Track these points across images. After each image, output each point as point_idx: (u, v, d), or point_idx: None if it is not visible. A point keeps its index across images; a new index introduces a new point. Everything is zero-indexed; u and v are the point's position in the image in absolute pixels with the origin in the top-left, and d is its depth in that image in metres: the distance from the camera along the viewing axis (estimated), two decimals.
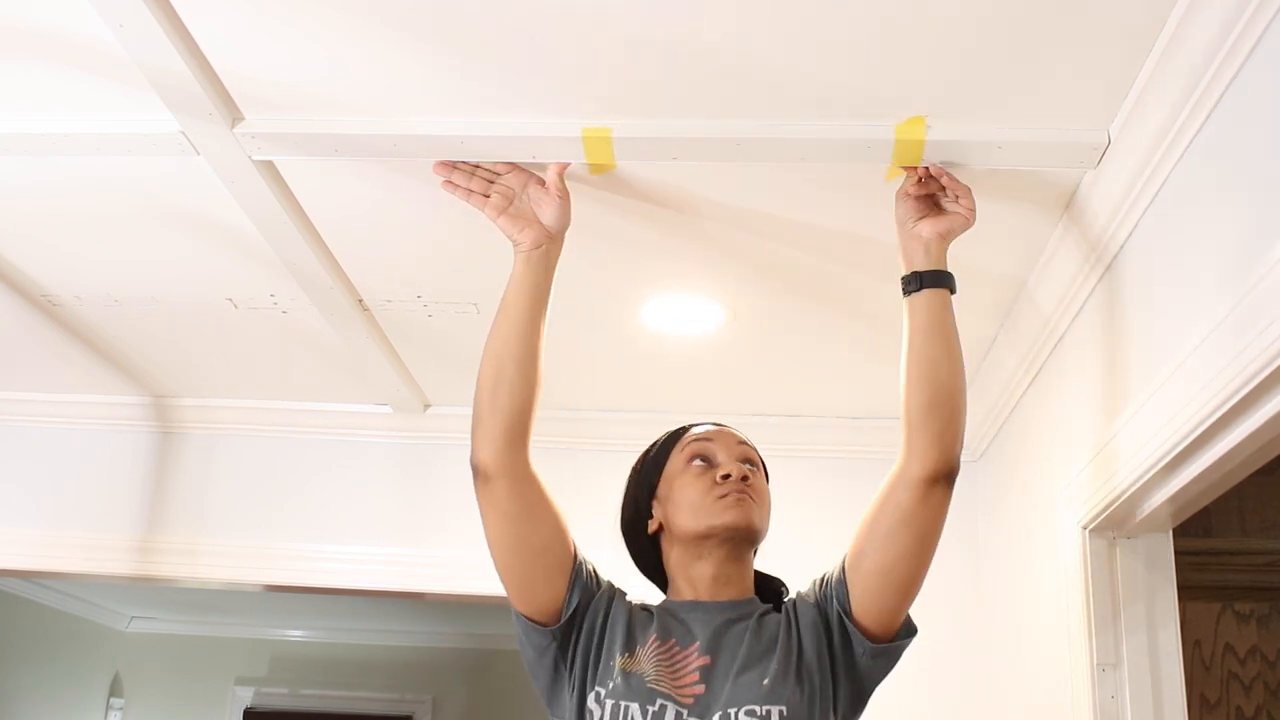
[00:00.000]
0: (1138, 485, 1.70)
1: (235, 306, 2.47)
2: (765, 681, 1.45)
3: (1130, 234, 1.76)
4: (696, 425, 1.68)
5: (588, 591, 1.56)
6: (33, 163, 1.95)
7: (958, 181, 1.67)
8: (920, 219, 1.66)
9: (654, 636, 1.53)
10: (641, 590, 1.66)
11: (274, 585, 3.08)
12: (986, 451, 2.78)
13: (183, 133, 1.79)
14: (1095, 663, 1.87)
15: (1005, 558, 2.57)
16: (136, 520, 3.08)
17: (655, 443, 1.71)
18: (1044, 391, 2.27)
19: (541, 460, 3.20)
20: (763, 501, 1.60)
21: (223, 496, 3.09)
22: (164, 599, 6.08)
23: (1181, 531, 1.93)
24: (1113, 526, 1.90)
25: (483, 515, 1.58)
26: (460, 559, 2.95)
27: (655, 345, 2.55)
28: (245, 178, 1.88)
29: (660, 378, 2.74)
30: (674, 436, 1.68)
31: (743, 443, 1.65)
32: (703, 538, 1.57)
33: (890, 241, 2.02)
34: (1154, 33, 1.46)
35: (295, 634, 6.72)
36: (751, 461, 1.63)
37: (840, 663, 1.52)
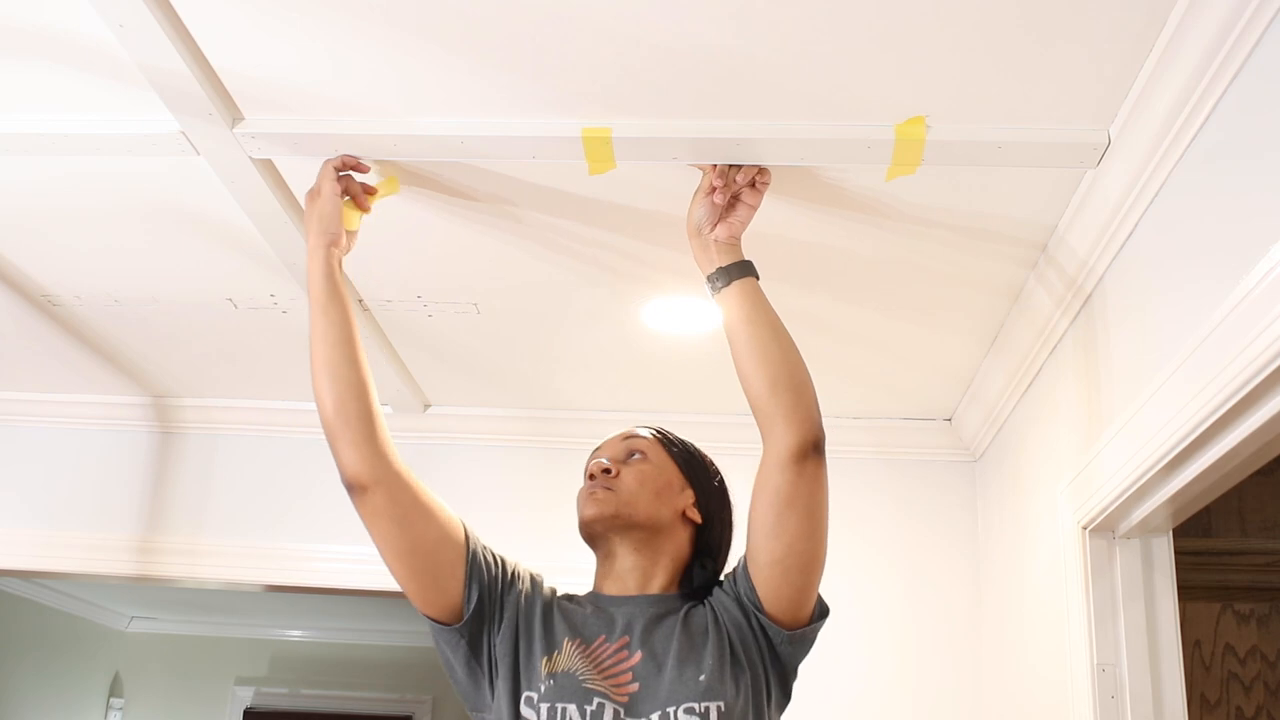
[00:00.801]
0: (1138, 485, 1.70)
1: (235, 306, 2.48)
2: (701, 678, 1.45)
3: (1130, 234, 1.76)
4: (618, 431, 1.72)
5: (487, 581, 1.55)
6: (33, 162, 1.95)
7: (751, 166, 1.71)
8: (715, 224, 1.70)
9: (581, 631, 1.53)
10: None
11: (274, 585, 3.07)
12: (986, 451, 2.78)
13: (182, 133, 1.79)
14: (1095, 663, 1.87)
15: (1005, 558, 2.57)
16: (136, 520, 3.08)
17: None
18: (1044, 391, 2.27)
19: (541, 460, 3.21)
20: (625, 489, 1.59)
21: (223, 496, 3.09)
22: (164, 599, 6.08)
23: (1181, 531, 1.93)
24: (1113, 526, 1.90)
25: (370, 529, 1.57)
26: None
27: (655, 345, 2.55)
28: (245, 177, 1.88)
29: (660, 378, 2.74)
30: None
31: (630, 436, 1.67)
32: (582, 533, 1.61)
33: (889, 241, 2.03)
34: (1154, 33, 1.46)
35: (295, 634, 6.72)
36: (636, 450, 1.64)
37: (765, 653, 1.52)
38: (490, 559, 1.59)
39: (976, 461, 2.87)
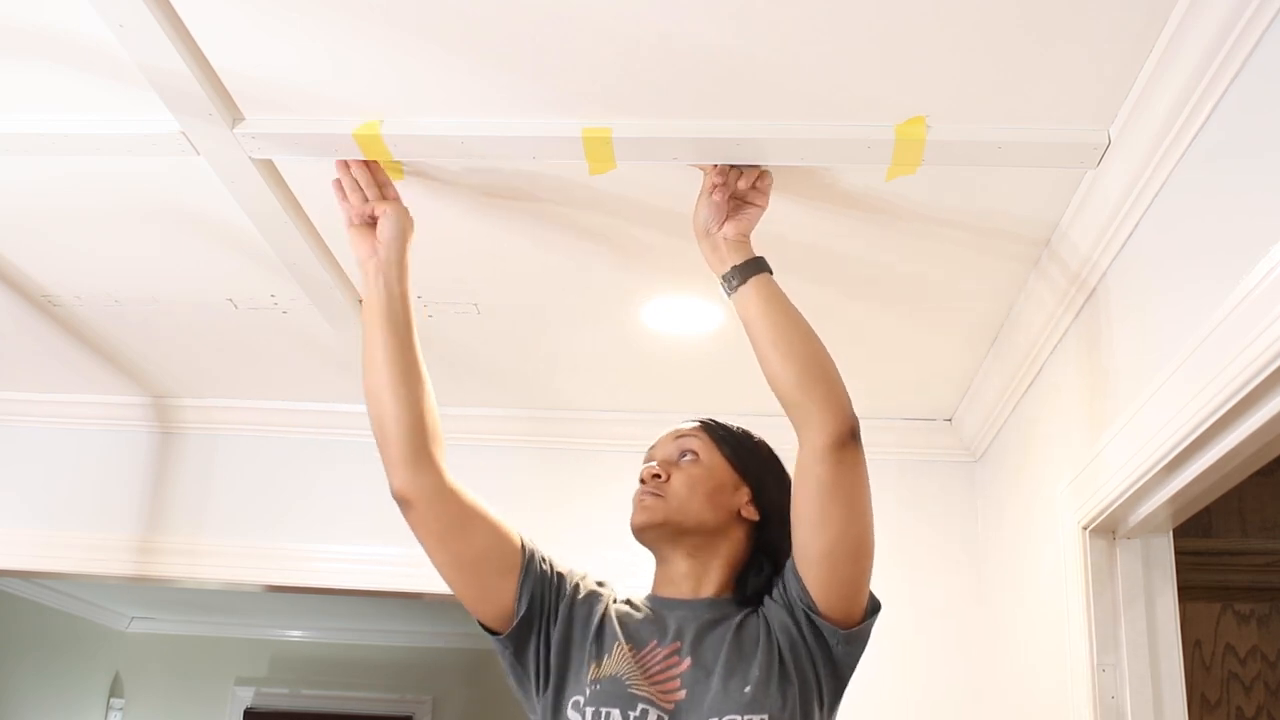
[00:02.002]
0: (1138, 486, 1.70)
1: (235, 306, 2.47)
2: (747, 689, 1.44)
3: (1130, 234, 1.76)
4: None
5: (539, 592, 1.54)
6: (33, 162, 1.95)
7: (752, 169, 1.71)
8: (723, 222, 1.69)
9: (634, 636, 1.52)
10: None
11: (274, 585, 3.08)
12: (987, 451, 2.78)
13: (183, 133, 1.79)
14: (1095, 663, 1.87)
15: (1005, 558, 2.57)
16: (136, 520, 3.08)
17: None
18: (1044, 391, 2.27)
19: (541, 460, 3.21)
20: (674, 494, 1.57)
21: (223, 496, 3.09)
22: (164, 599, 6.08)
23: (1181, 531, 1.93)
24: (1113, 527, 1.90)
25: (419, 541, 1.59)
26: None
27: (655, 345, 2.55)
28: (245, 177, 1.88)
29: (660, 378, 2.74)
30: None
31: (681, 435, 1.64)
32: (636, 537, 1.61)
33: (890, 240, 2.03)
34: (1154, 33, 1.46)
35: (295, 634, 6.72)
36: (688, 450, 1.62)
37: (818, 658, 1.50)
38: (545, 570, 1.57)
39: (976, 461, 2.87)
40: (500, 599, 1.53)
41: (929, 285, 2.19)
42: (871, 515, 1.51)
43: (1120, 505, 1.79)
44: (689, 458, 1.61)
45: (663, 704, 1.44)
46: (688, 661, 1.48)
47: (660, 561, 1.61)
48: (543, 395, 2.92)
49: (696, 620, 1.53)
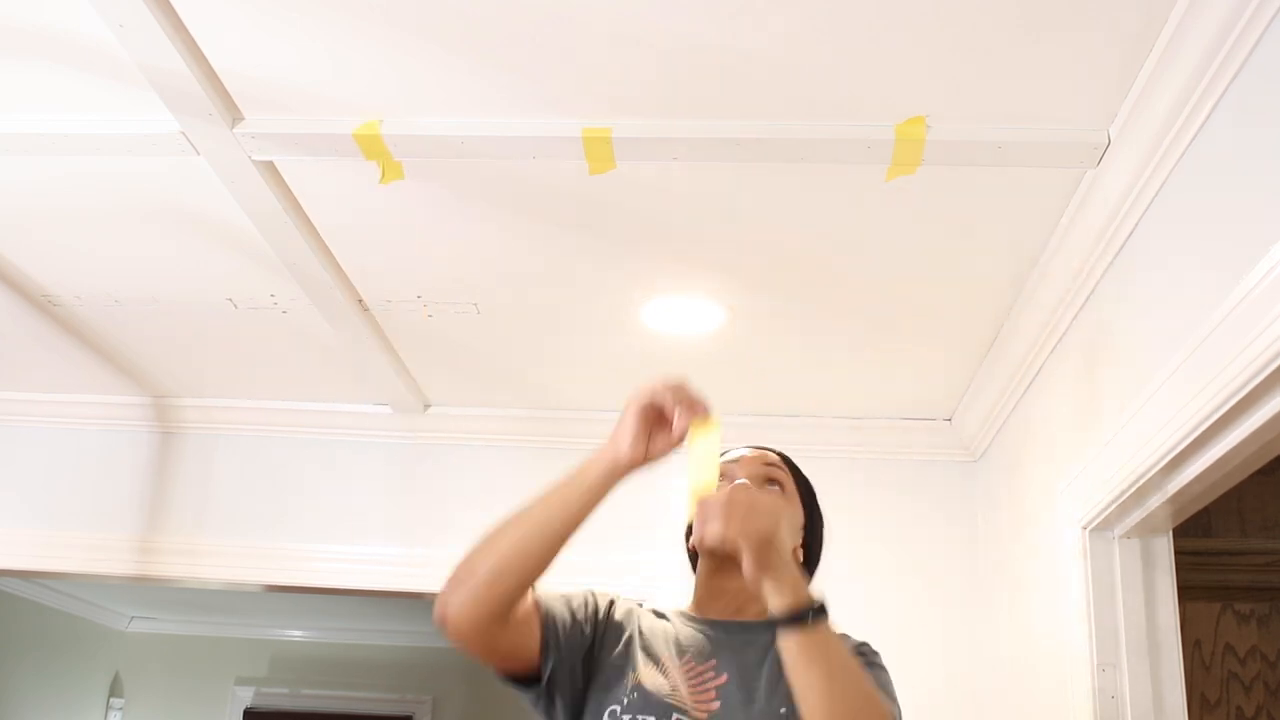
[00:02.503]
0: (1138, 485, 1.70)
1: (235, 306, 2.47)
2: (783, 710, 1.43)
3: (1130, 234, 1.76)
4: (740, 449, 1.64)
5: (563, 646, 1.51)
6: (33, 162, 1.95)
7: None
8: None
9: (670, 649, 1.53)
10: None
11: (274, 585, 3.08)
12: (987, 451, 2.78)
13: (183, 133, 1.79)
14: (1095, 663, 1.87)
15: (1005, 558, 2.57)
16: (136, 520, 3.08)
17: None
18: (1044, 391, 2.27)
19: (542, 460, 3.20)
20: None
21: (223, 496, 3.09)
22: (164, 599, 6.08)
23: (1181, 531, 1.93)
24: (1112, 526, 1.90)
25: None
26: (460, 559, 2.95)
27: (655, 345, 2.55)
28: (245, 178, 1.88)
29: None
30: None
31: (770, 464, 1.62)
32: (704, 553, 1.58)
33: (889, 240, 2.03)
34: (1154, 33, 1.46)
35: (295, 634, 6.72)
36: (775, 481, 1.60)
37: None
38: (563, 624, 1.52)
39: (976, 461, 2.87)
40: (527, 663, 1.50)
41: (930, 285, 2.19)
42: None
43: (1120, 505, 1.79)
44: (775, 488, 1.60)
45: (695, 715, 1.44)
46: (725, 676, 1.48)
47: (711, 575, 1.58)
48: (543, 395, 2.92)
49: (735, 638, 1.52)
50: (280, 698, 6.59)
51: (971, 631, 2.78)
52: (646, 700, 1.46)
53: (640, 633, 1.55)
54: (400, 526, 3.02)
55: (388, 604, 5.77)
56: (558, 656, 1.51)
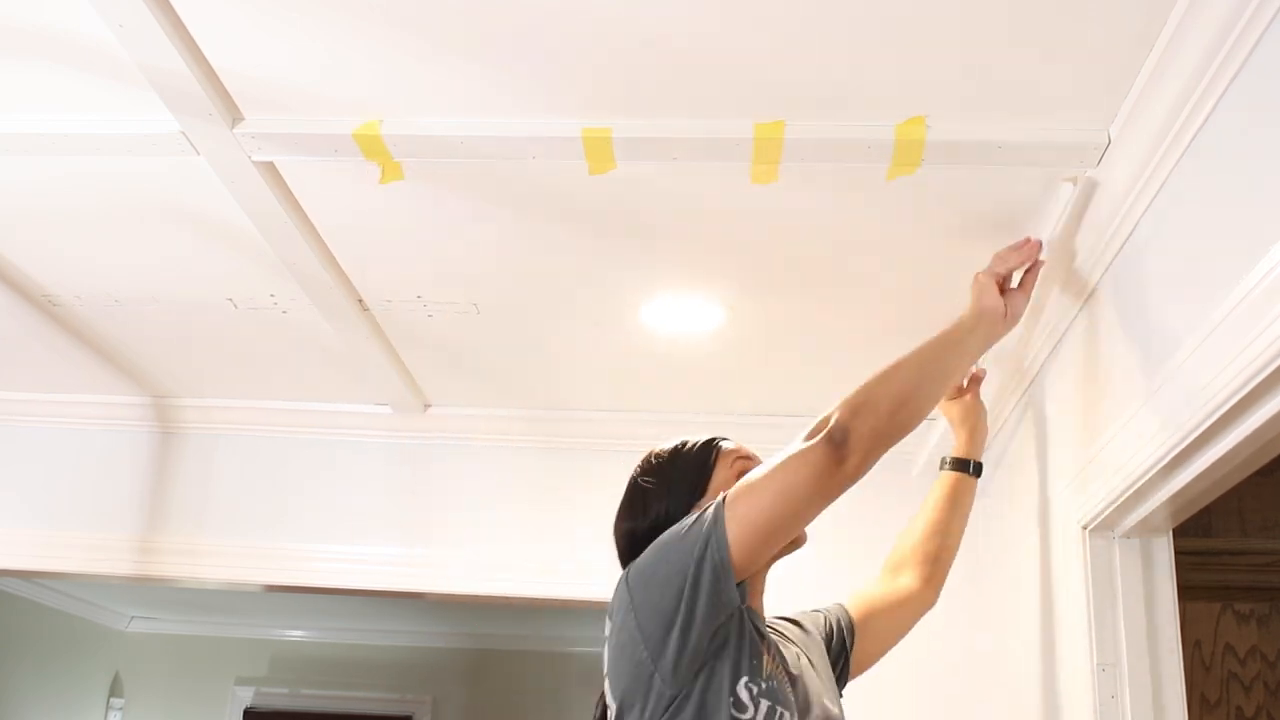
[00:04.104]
0: (1137, 485, 1.70)
1: (235, 306, 2.47)
2: (832, 683, 1.71)
3: (1130, 233, 1.76)
4: (723, 440, 1.75)
5: None
6: (33, 163, 1.95)
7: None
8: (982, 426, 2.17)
9: (770, 644, 1.63)
10: None
11: (274, 585, 3.08)
12: (987, 451, 2.77)
13: (183, 133, 1.79)
14: (1095, 663, 1.87)
15: (1005, 558, 2.57)
16: (136, 520, 3.08)
17: (679, 452, 1.73)
18: (1044, 391, 2.27)
19: (541, 460, 3.20)
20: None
21: (223, 496, 3.09)
22: (164, 599, 6.08)
23: (1181, 531, 1.93)
24: (1112, 526, 1.90)
25: (818, 496, 1.55)
26: (460, 559, 2.95)
27: (655, 345, 2.55)
28: (245, 178, 1.88)
29: (660, 378, 2.74)
30: (710, 447, 1.73)
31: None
32: (779, 555, 1.68)
33: (889, 240, 2.03)
34: (1154, 33, 1.46)
35: (295, 634, 6.72)
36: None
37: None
38: None
39: None
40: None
41: (929, 284, 2.19)
42: None
43: (1120, 505, 1.79)
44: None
45: (790, 699, 1.57)
46: (800, 654, 1.70)
47: (764, 575, 1.71)
48: (543, 395, 2.92)
49: (786, 624, 1.78)
50: (280, 698, 6.59)
51: (971, 632, 2.77)
52: (773, 689, 1.55)
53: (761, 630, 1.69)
54: (400, 526, 3.02)
55: (388, 604, 5.77)
56: None
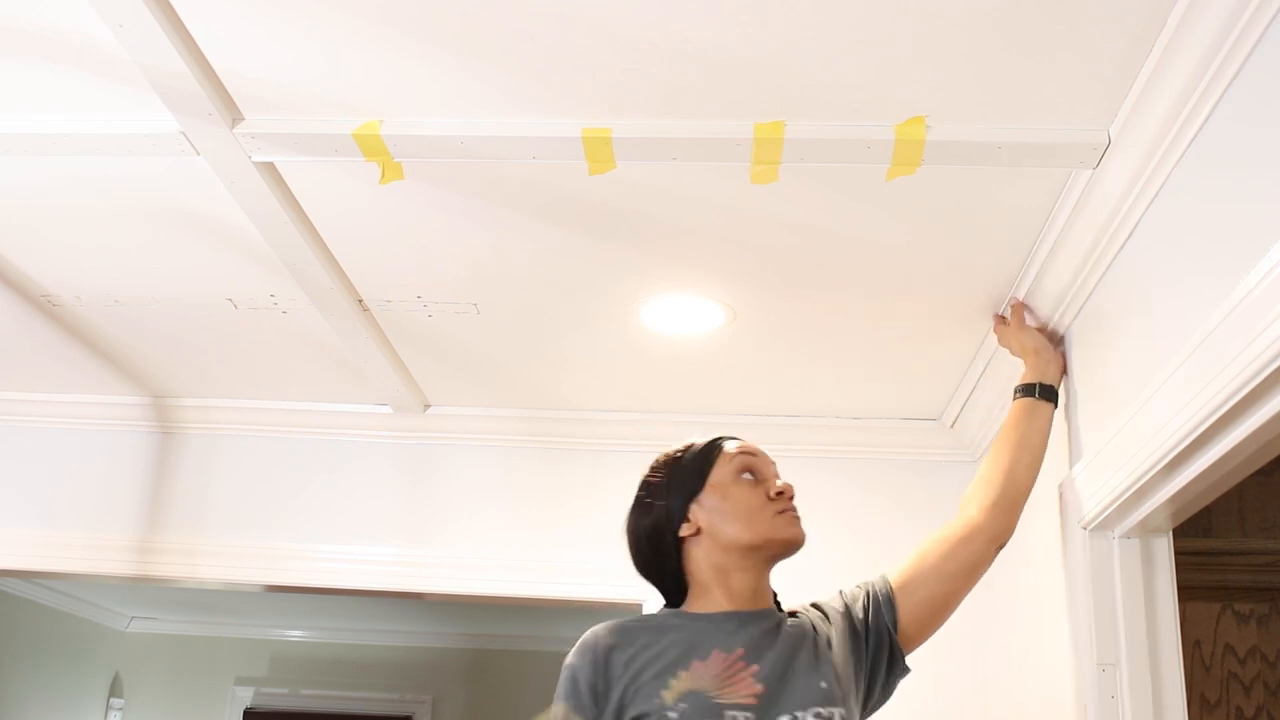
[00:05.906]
0: (1138, 485, 1.70)
1: (235, 306, 2.47)
2: (823, 685, 1.55)
3: (1130, 234, 1.76)
4: (727, 440, 1.73)
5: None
6: (33, 162, 1.95)
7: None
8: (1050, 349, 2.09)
9: (697, 652, 1.56)
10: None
11: (274, 585, 3.07)
12: (987, 451, 2.77)
13: (183, 133, 1.79)
14: (1095, 663, 1.87)
15: (1005, 558, 2.56)
16: (136, 520, 3.08)
17: (685, 451, 1.73)
18: None
19: (541, 460, 3.21)
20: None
21: (223, 496, 3.09)
22: (164, 599, 6.08)
23: (1181, 531, 1.93)
24: (1112, 526, 1.90)
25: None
26: (460, 559, 2.95)
27: (655, 345, 2.55)
28: (245, 178, 1.88)
29: (660, 378, 2.74)
30: (712, 446, 1.72)
31: (774, 463, 1.74)
32: (754, 549, 1.64)
33: (889, 240, 2.03)
34: (1154, 33, 1.46)
35: (295, 634, 6.72)
36: (784, 479, 1.72)
37: (867, 670, 1.65)
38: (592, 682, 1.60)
39: (976, 462, 2.87)
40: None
41: (929, 285, 2.19)
42: None
43: (1120, 505, 1.79)
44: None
45: (745, 704, 1.50)
46: (755, 665, 1.56)
47: (750, 572, 1.65)
48: (543, 395, 2.92)
49: (752, 628, 1.61)
50: (280, 698, 6.59)
51: (971, 632, 2.77)
52: (699, 707, 1.49)
53: (652, 649, 1.58)
54: (400, 526, 3.02)
55: (387, 604, 5.77)
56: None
